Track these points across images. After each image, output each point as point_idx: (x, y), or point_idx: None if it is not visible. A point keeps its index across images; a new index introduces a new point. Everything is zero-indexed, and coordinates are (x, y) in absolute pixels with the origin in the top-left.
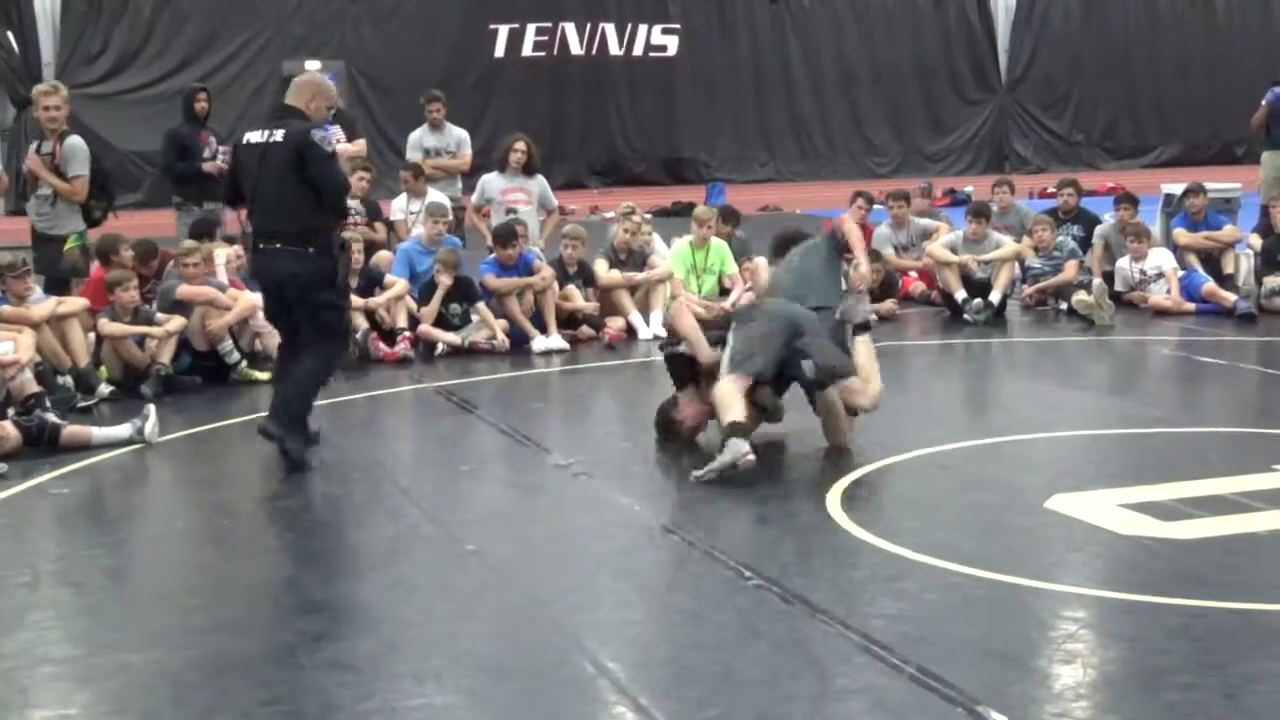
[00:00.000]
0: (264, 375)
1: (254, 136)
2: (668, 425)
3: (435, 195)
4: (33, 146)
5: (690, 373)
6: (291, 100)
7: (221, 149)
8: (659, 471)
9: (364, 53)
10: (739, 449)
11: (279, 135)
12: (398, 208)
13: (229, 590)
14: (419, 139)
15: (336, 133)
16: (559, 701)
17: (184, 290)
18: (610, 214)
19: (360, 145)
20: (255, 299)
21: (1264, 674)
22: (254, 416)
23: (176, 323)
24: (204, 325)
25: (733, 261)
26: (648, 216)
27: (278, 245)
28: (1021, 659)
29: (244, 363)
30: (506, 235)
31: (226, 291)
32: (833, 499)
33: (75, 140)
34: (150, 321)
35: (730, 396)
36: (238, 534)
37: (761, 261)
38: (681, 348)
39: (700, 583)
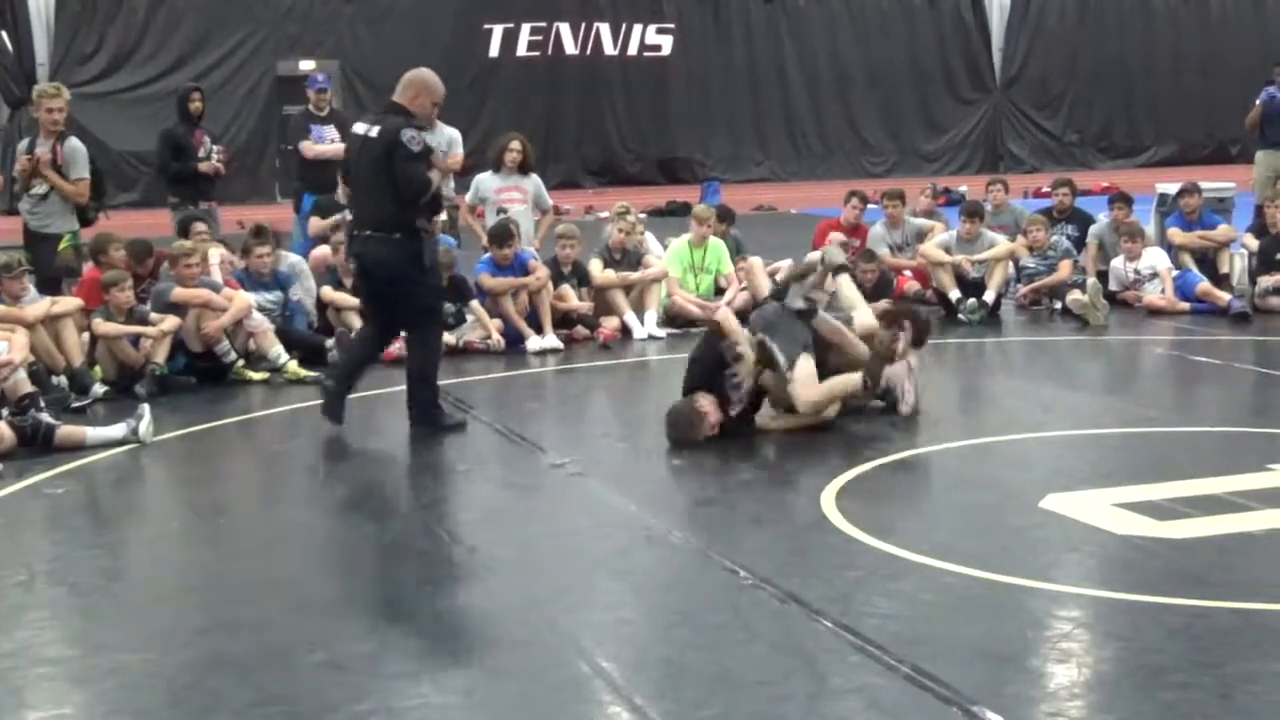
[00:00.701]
0: (260, 375)
1: (359, 128)
2: (690, 429)
3: None
4: (22, 145)
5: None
6: (397, 97)
7: (216, 148)
8: (655, 471)
9: (359, 53)
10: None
11: (375, 130)
12: None
13: (224, 590)
14: None
15: (330, 132)
16: (555, 701)
17: (179, 293)
18: (605, 214)
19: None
20: (250, 299)
21: (1260, 673)
22: (249, 416)
23: (171, 322)
24: (199, 327)
25: (729, 261)
26: (642, 216)
27: (369, 232)
28: (1017, 658)
29: (241, 363)
30: (502, 235)
31: (221, 292)
32: (828, 498)
33: (75, 142)
34: (145, 321)
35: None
36: (233, 534)
37: (757, 261)
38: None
39: (696, 583)
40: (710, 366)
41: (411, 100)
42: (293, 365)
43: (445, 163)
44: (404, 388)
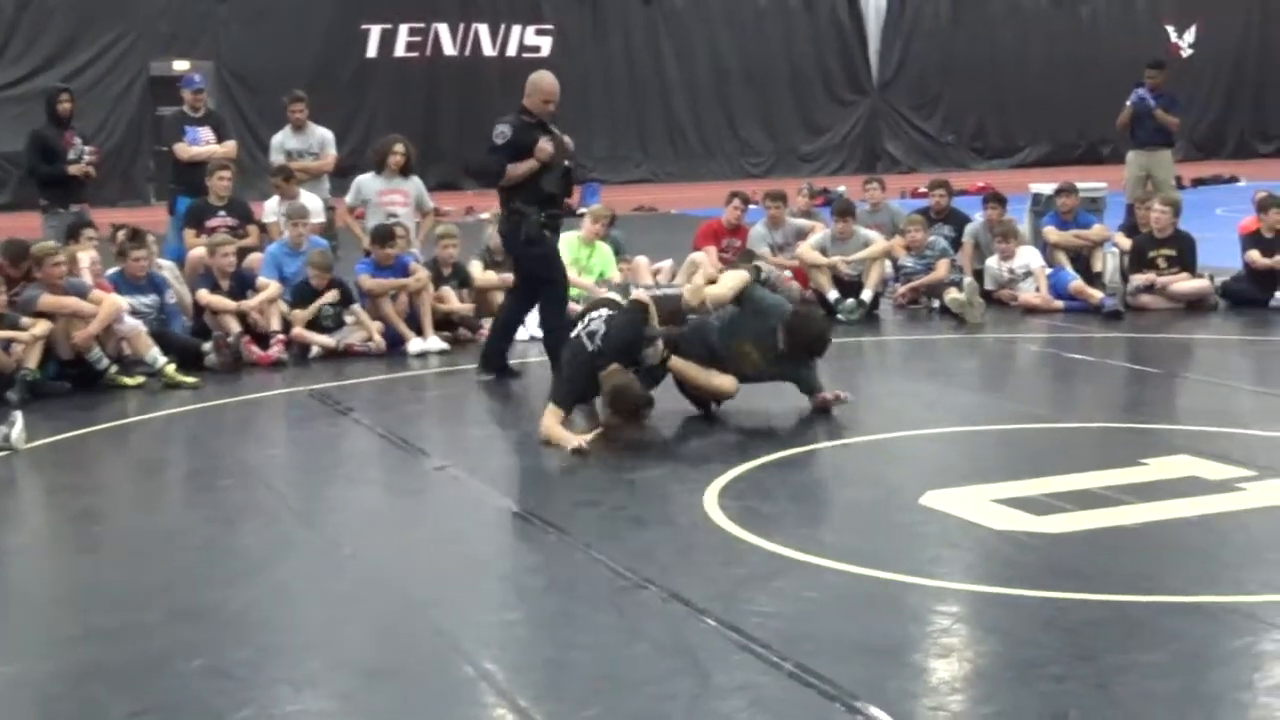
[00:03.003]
0: (135, 381)
1: None
2: (637, 397)
3: (308, 198)
4: None
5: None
6: (524, 98)
7: (88, 149)
8: (537, 473)
9: (234, 53)
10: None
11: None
12: (270, 210)
13: (99, 598)
14: (281, 141)
15: (205, 133)
16: (438, 705)
17: (46, 301)
18: (485, 215)
19: (230, 147)
20: (119, 302)
21: (1134, 664)
22: (124, 422)
23: (43, 327)
24: (69, 335)
25: (615, 267)
26: None
27: (498, 211)
28: (898, 654)
29: (114, 369)
30: (385, 235)
31: (89, 296)
32: (710, 498)
33: None
34: (16, 326)
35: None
36: (108, 542)
37: (642, 260)
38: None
39: (579, 583)
40: (628, 343)
41: (528, 100)
42: (170, 369)
43: (318, 165)
44: (278, 391)
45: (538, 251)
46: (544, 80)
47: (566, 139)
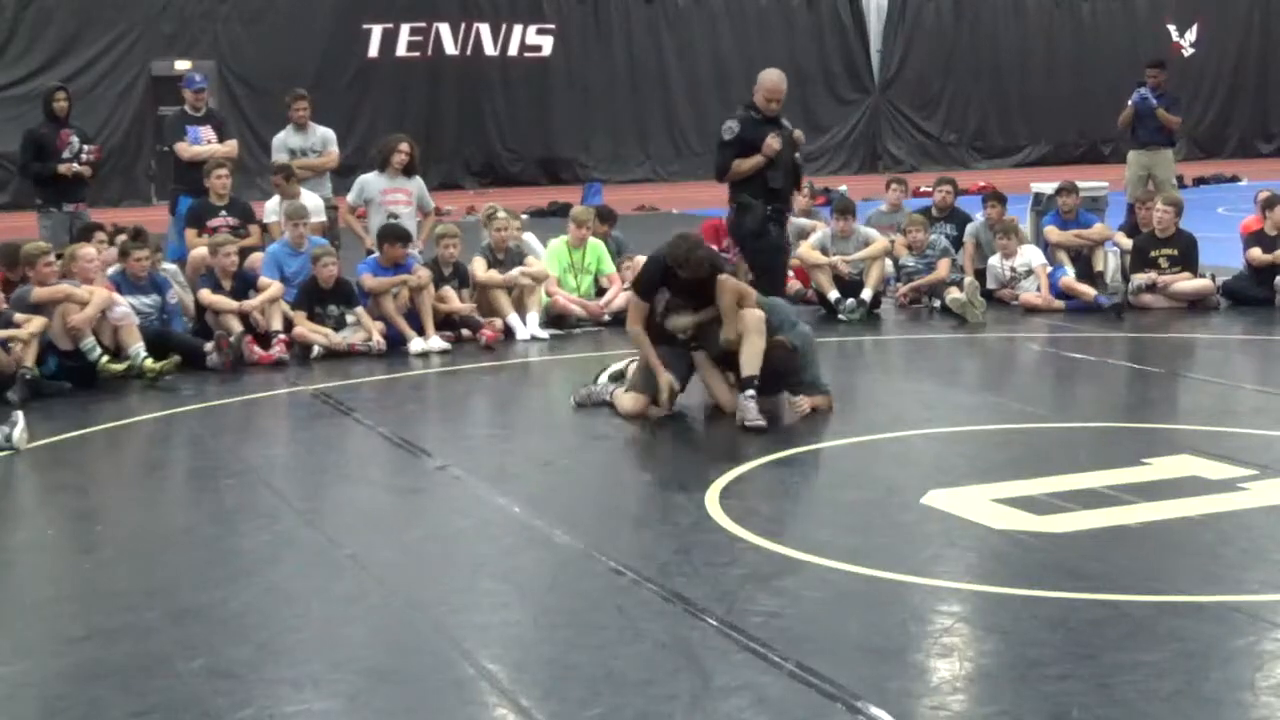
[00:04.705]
0: (122, 366)
1: None
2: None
3: (308, 197)
4: None
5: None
6: (752, 94)
7: (87, 148)
8: (538, 473)
9: (235, 52)
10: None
11: None
12: (270, 210)
13: (101, 598)
14: (283, 140)
15: (207, 133)
16: (440, 704)
17: (39, 293)
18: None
19: (231, 146)
20: (111, 293)
21: (1135, 663)
22: (124, 422)
23: (38, 323)
24: (66, 323)
25: (610, 261)
26: (524, 217)
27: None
28: (899, 654)
29: (105, 358)
30: (396, 235)
31: (80, 287)
32: (711, 498)
33: None
34: (10, 325)
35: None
36: (109, 542)
37: (641, 261)
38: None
39: (580, 583)
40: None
41: (756, 96)
42: (149, 362)
43: (322, 162)
44: (279, 391)
45: (762, 244)
46: (768, 77)
47: (798, 133)
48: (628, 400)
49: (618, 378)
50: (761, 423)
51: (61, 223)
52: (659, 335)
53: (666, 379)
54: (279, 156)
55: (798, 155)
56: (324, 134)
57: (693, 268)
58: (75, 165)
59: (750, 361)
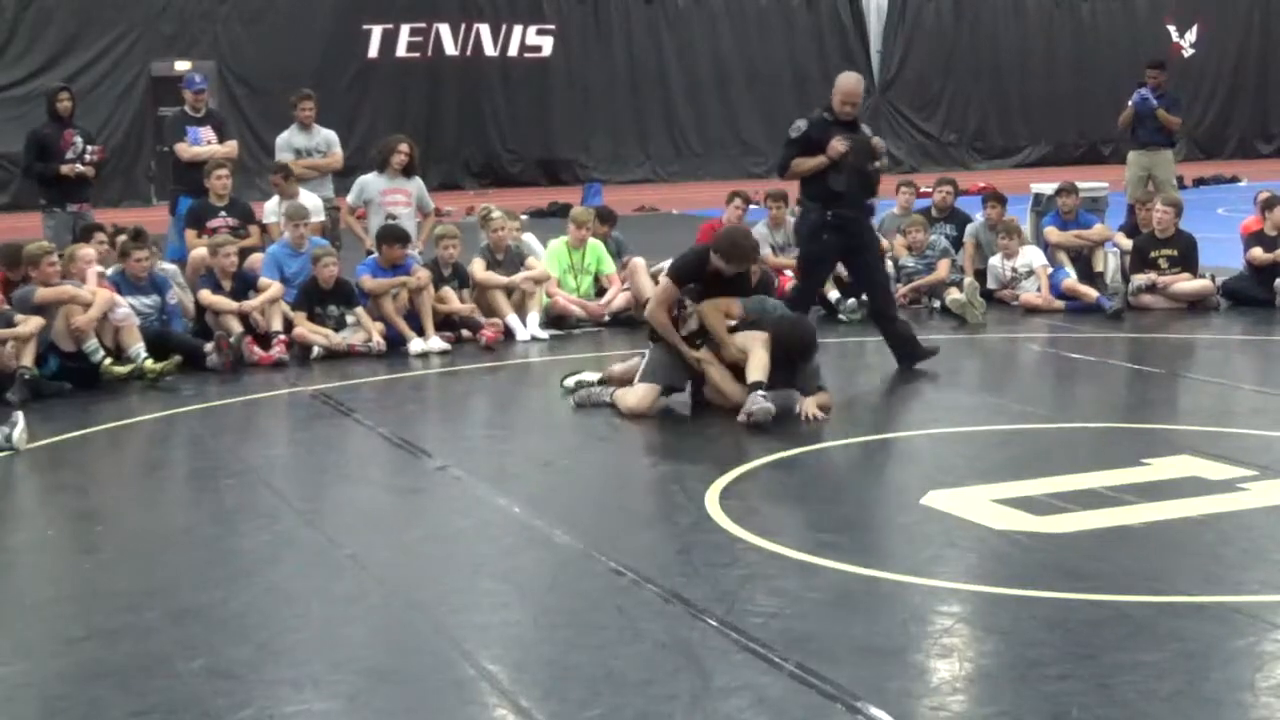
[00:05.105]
0: (126, 369)
1: None
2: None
3: (307, 197)
4: None
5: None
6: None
7: (91, 148)
8: (538, 473)
9: (235, 52)
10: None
11: None
12: (270, 210)
13: (101, 599)
14: (288, 140)
15: (207, 134)
16: (440, 705)
17: (43, 293)
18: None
19: (231, 147)
20: (113, 294)
21: (1136, 663)
22: (124, 422)
23: (34, 323)
24: (69, 324)
25: (610, 262)
26: (524, 217)
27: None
28: (900, 654)
29: (108, 360)
30: (396, 236)
31: (85, 287)
32: (711, 498)
33: None
34: (11, 325)
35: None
36: (109, 542)
37: (639, 261)
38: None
39: (580, 583)
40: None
41: (833, 98)
42: (149, 363)
43: (327, 162)
44: (279, 391)
45: (810, 248)
46: (843, 81)
47: (877, 140)
48: (636, 393)
49: (602, 382)
50: (770, 409)
51: (65, 223)
52: (652, 336)
53: (694, 355)
54: (283, 156)
55: (878, 163)
56: (328, 135)
57: (738, 259)
58: (78, 166)
59: (756, 369)
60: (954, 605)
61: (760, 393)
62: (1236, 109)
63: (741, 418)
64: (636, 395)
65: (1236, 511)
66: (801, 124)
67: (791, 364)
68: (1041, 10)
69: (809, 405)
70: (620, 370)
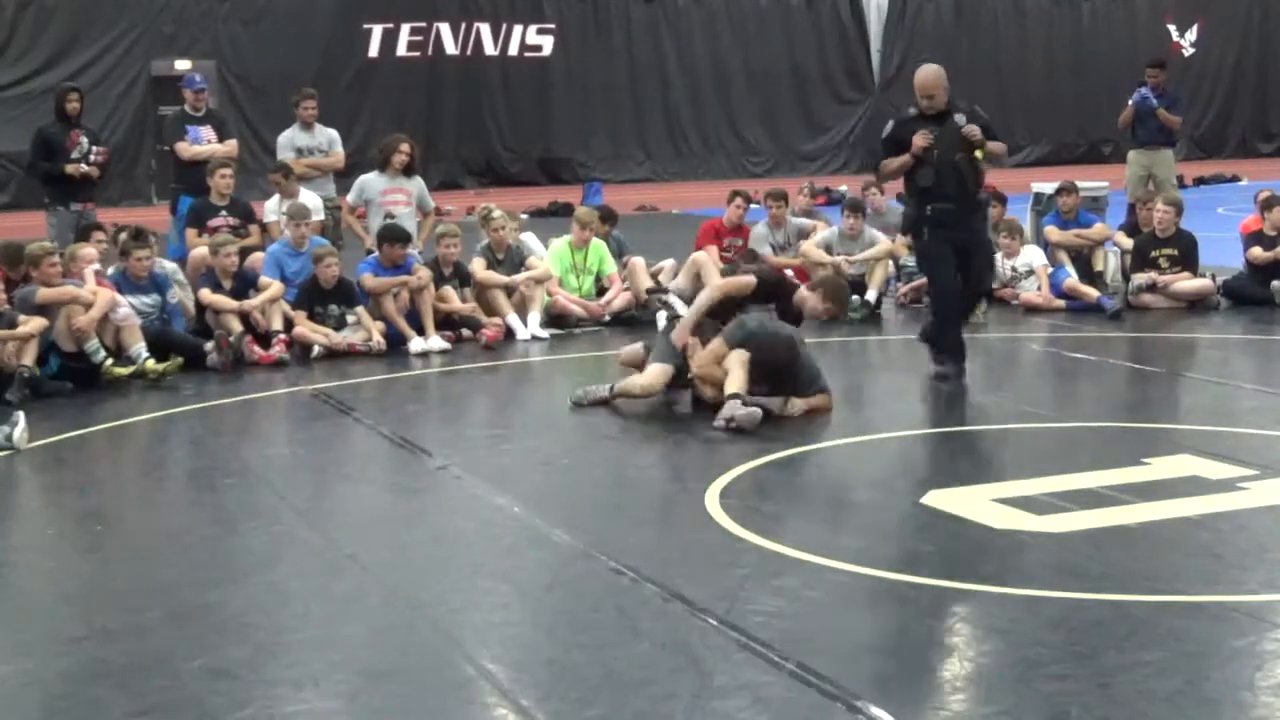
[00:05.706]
0: (128, 370)
1: None
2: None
3: (307, 196)
4: None
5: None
6: None
7: (96, 149)
8: (538, 473)
9: (235, 52)
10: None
11: None
12: (270, 209)
13: (102, 598)
14: (290, 139)
15: (207, 133)
16: (440, 704)
17: (45, 293)
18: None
19: (231, 146)
20: (114, 294)
21: (1135, 663)
22: (124, 422)
23: (36, 323)
24: (70, 325)
25: (612, 262)
26: (524, 217)
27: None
28: (900, 653)
29: (109, 360)
30: (396, 235)
31: (85, 287)
32: (711, 497)
33: None
34: (13, 325)
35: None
36: (109, 542)
37: (639, 261)
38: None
39: (580, 583)
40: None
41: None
42: (150, 363)
43: (329, 161)
44: (280, 391)
45: (917, 246)
46: (920, 74)
47: (968, 128)
48: (649, 374)
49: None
50: (755, 413)
51: (68, 221)
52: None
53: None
54: (285, 155)
55: (978, 154)
56: (330, 134)
57: (840, 304)
58: (83, 166)
59: (733, 384)
60: (954, 604)
61: (739, 400)
62: (1237, 108)
63: (718, 422)
64: (650, 375)
65: (1236, 511)
66: (890, 124)
67: (778, 374)
68: (1041, 10)
69: (795, 402)
70: (627, 353)
